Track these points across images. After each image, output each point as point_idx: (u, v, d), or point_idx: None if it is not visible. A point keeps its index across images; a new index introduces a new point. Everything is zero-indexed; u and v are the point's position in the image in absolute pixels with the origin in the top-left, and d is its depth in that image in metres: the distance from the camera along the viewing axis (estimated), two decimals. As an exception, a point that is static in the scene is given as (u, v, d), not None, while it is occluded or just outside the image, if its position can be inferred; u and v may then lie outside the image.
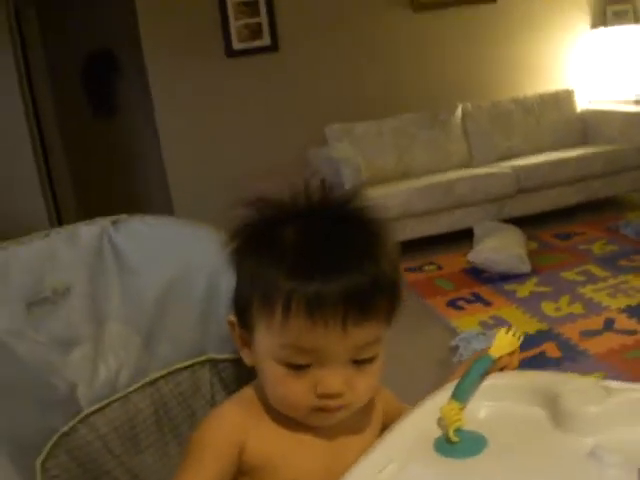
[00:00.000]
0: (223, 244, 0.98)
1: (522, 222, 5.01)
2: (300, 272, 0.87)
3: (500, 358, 1.07)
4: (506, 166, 5.39)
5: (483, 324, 3.64)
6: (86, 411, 1.07)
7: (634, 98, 5.86)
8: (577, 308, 3.70)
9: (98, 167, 7.23)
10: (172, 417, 1.15)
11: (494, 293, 4.10)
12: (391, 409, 1.09)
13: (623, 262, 4.28)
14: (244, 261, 0.95)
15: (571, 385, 0.99)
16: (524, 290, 4.08)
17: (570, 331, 3.42)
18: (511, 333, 1.10)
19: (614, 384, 0.99)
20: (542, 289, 4.06)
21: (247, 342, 0.97)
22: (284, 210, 0.94)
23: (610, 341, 3.26)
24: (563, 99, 6.05)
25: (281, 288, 0.87)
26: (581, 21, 6.30)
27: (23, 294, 1.05)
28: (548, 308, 3.76)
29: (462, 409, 0.98)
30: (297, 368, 0.90)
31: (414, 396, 1.05)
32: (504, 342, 1.10)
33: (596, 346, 3.23)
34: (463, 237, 4.92)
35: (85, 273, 1.11)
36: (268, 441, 0.96)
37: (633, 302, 3.66)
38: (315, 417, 0.94)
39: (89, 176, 7.19)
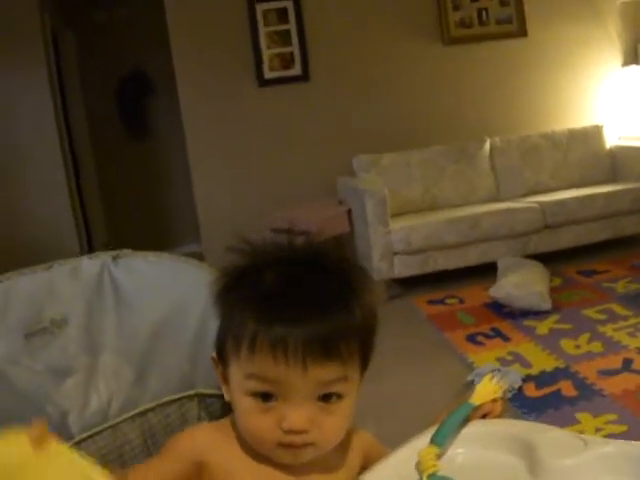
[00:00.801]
0: (210, 285, 1.03)
1: (547, 257, 4.99)
2: (265, 317, 0.93)
3: (482, 405, 1.08)
4: (533, 201, 5.36)
5: (501, 360, 3.61)
6: (77, 438, 1.10)
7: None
8: (596, 347, 3.65)
9: (129, 187, 7.34)
10: (159, 447, 1.16)
11: (514, 329, 4.07)
12: (372, 452, 1.10)
13: (646, 301, 4.22)
14: (223, 302, 1.00)
15: (548, 436, 1.00)
16: (544, 327, 4.04)
17: (587, 370, 3.38)
18: (494, 381, 1.11)
19: (592, 438, 0.98)
20: (562, 326, 4.02)
21: (226, 379, 1.01)
22: (265, 256, 1.00)
23: (627, 381, 3.22)
24: (592, 135, 6.02)
25: (248, 329, 0.93)
26: (612, 57, 6.29)
27: (22, 324, 1.09)
28: (567, 346, 3.72)
29: (440, 454, 0.99)
30: (264, 400, 0.94)
31: (424, 429, 1.06)
32: (486, 390, 1.10)
33: (612, 386, 3.18)
34: (487, 271, 4.90)
35: (83, 306, 1.15)
36: (233, 468, 0.99)
37: (653, 342, 3.61)
38: (282, 453, 0.96)
39: (120, 196, 7.30)
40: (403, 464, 1.00)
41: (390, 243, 4.92)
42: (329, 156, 5.89)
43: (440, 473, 0.96)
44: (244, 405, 0.96)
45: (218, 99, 5.77)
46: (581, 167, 5.92)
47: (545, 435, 1.00)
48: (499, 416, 1.10)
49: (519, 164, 5.82)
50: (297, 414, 0.93)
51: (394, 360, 3.70)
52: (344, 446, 1.05)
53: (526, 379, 3.33)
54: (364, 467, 1.06)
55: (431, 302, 4.75)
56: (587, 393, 3.15)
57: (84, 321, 1.15)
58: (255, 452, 0.99)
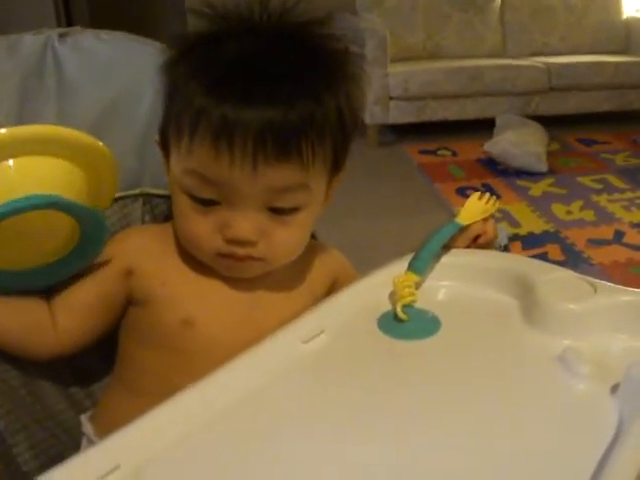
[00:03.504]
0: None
1: (547, 121, 4.79)
2: (214, 90, 0.75)
3: (470, 226, 0.93)
4: (539, 61, 5.14)
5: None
6: None
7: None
8: (588, 215, 3.57)
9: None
10: None
11: (506, 187, 3.95)
12: (342, 275, 0.97)
13: (644, 178, 4.12)
14: (169, 75, 0.82)
15: (552, 276, 0.84)
16: (537, 189, 3.93)
17: (577, 237, 3.30)
18: (485, 199, 0.97)
19: (603, 283, 0.82)
20: (556, 190, 3.92)
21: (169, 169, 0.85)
22: (230, 22, 0.81)
23: (616, 253, 3.14)
24: (609, 2, 5.72)
25: (193, 106, 0.76)
26: None
27: None
28: (559, 210, 3.62)
29: (418, 283, 0.85)
30: (203, 203, 0.80)
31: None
32: (475, 208, 0.96)
33: (601, 256, 3.11)
34: (484, 128, 4.71)
35: (18, 88, 0.97)
36: (166, 277, 0.87)
37: (647, 218, 3.52)
38: (223, 264, 0.84)
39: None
40: (372, 292, 0.84)
41: (387, 87, 4.71)
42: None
43: (417, 305, 0.82)
44: (181, 203, 0.82)
45: None
46: (594, 34, 5.65)
47: (548, 274, 0.84)
48: (492, 240, 0.95)
49: (530, 22, 5.54)
50: (241, 222, 0.78)
51: (379, 204, 3.64)
52: (304, 263, 0.92)
53: (513, 238, 3.24)
54: (332, 290, 0.93)
55: (423, 152, 4.62)
56: (574, 259, 3.07)
57: (17, 109, 0.95)
58: (196, 261, 0.86)
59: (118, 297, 0.87)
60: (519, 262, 0.90)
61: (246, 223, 0.79)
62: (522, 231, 3.34)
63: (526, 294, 0.83)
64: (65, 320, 0.85)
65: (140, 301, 0.87)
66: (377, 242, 3.05)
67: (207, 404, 0.66)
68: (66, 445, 0.92)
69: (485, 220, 0.96)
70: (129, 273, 0.87)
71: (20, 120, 0.95)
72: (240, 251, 0.81)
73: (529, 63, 5.09)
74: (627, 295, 0.80)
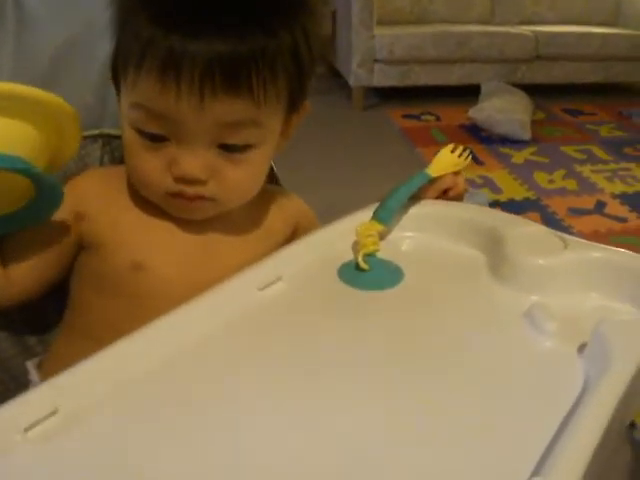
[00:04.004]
0: None
1: (533, 90, 4.76)
2: (162, 21, 0.72)
3: (440, 178, 0.91)
4: (527, 29, 5.10)
5: (470, 182, 3.46)
6: None
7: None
8: (570, 184, 3.55)
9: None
10: None
11: (488, 154, 3.93)
12: (304, 222, 0.95)
13: (628, 150, 4.10)
14: (122, 5, 0.78)
15: (521, 230, 0.82)
16: (520, 156, 3.91)
17: (558, 205, 3.28)
18: (457, 152, 0.95)
19: (575, 239, 0.81)
20: (538, 159, 3.89)
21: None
22: None
23: (597, 223, 3.13)
24: (600, -28, 5.68)
25: (140, 37, 0.73)
26: None
27: None
28: (540, 178, 3.60)
29: (383, 233, 0.83)
30: (152, 139, 0.77)
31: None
32: (446, 160, 0.94)
33: (582, 225, 3.09)
34: (469, 94, 4.68)
35: None
36: (117, 218, 0.85)
37: (629, 190, 3.51)
38: (173, 205, 0.82)
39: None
40: (337, 240, 0.82)
41: (372, 49, 4.65)
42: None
43: (380, 255, 0.80)
44: (129, 139, 0.79)
45: None
46: (583, 4, 5.61)
47: (516, 228, 0.82)
48: (462, 193, 0.94)
49: (518, -10, 5.50)
50: (189, 159, 0.76)
51: (360, 168, 3.60)
52: (261, 206, 0.90)
53: (493, 204, 3.21)
54: (292, 238, 0.91)
55: (406, 116, 4.59)
56: (555, 228, 2.89)
57: None
58: (148, 203, 0.84)
59: (69, 242, 0.84)
60: (488, 215, 0.87)
61: (194, 160, 0.76)
62: (503, 197, 3.32)
63: (494, 248, 0.80)
64: (15, 267, 0.81)
65: (91, 245, 0.84)
66: (357, 206, 3.00)
67: (153, 349, 0.63)
68: (15, 393, 0.89)
69: (456, 173, 0.94)
70: (80, 217, 0.84)
71: None
72: (189, 190, 0.78)
73: (517, 31, 5.05)
74: (598, 251, 0.78)
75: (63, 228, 0.83)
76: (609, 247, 0.80)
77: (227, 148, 0.77)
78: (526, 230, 0.82)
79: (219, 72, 0.71)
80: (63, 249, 0.84)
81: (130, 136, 0.79)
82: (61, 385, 0.59)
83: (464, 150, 0.97)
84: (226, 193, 0.80)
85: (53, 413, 0.56)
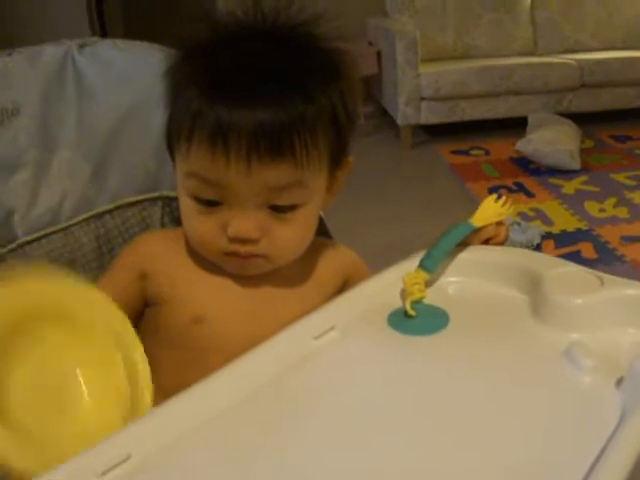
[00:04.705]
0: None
1: (580, 118, 4.75)
2: (210, 94, 0.78)
3: (484, 228, 0.94)
4: (570, 58, 5.08)
5: (522, 215, 3.47)
6: (20, 240, 0.98)
7: None
8: (622, 212, 3.53)
9: None
10: (115, 254, 1.05)
11: (539, 186, 3.92)
12: (355, 274, 0.99)
13: (679, 173, 4.06)
14: (170, 81, 0.86)
15: (559, 270, 0.85)
16: (570, 187, 3.89)
17: (610, 234, 3.27)
18: (500, 202, 0.97)
19: (610, 277, 0.83)
20: (589, 188, 3.88)
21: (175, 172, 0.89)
22: (227, 28, 0.84)
23: (650, 251, 3.11)
24: (642, -3, 5.65)
25: (190, 109, 0.79)
26: None
27: None
28: (592, 208, 3.58)
29: (428, 281, 0.87)
30: (207, 205, 0.83)
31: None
32: (490, 210, 0.96)
33: (634, 253, 3.08)
34: (516, 126, 4.69)
35: (39, 95, 1.01)
36: (178, 276, 0.91)
37: (682, 215, 3.48)
38: (229, 263, 0.87)
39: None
40: (383, 290, 0.86)
41: (418, 88, 4.70)
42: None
43: (426, 301, 0.83)
44: (186, 205, 0.86)
45: None
46: (625, 30, 5.57)
47: (555, 269, 0.85)
48: (503, 243, 0.97)
49: (561, 19, 5.48)
50: (242, 220, 0.81)
51: (412, 205, 3.63)
52: (311, 260, 0.94)
53: (546, 236, 3.22)
54: (343, 289, 0.94)
55: (455, 152, 4.61)
56: (607, 257, 3.05)
57: (39, 111, 1.00)
58: (205, 261, 0.90)
59: (136, 301, 0.91)
60: (527, 257, 0.91)
61: (246, 222, 0.81)
62: (555, 229, 3.32)
63: (534, 289, 0.83)
64: None
65: (154, 302, 0.91)
66: (409, 244, 3.02)
67: (217, 398, 0.68)
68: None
69: (499, 224, 0.97)
70: (143, 277, 0.90)
71: (44, 121, 0.99)
72: (242, 249, 0.83)
73: (560, 60, 5.04)
74: (634, 288, 0.81)
75: (131, 289, 0.90)
76: None
77: (276, 209, 0.82)
78: (563, 270, 0.85)
79: (263, 139, 0.76)
80: (132, 309, 0.89)
81: (187, 202, 0.85)
82: (134, 433, 0.64)
83: (507, 200, 0.99)
84: (277, 250, 0.85)
85: (127, 459, 0.60)
